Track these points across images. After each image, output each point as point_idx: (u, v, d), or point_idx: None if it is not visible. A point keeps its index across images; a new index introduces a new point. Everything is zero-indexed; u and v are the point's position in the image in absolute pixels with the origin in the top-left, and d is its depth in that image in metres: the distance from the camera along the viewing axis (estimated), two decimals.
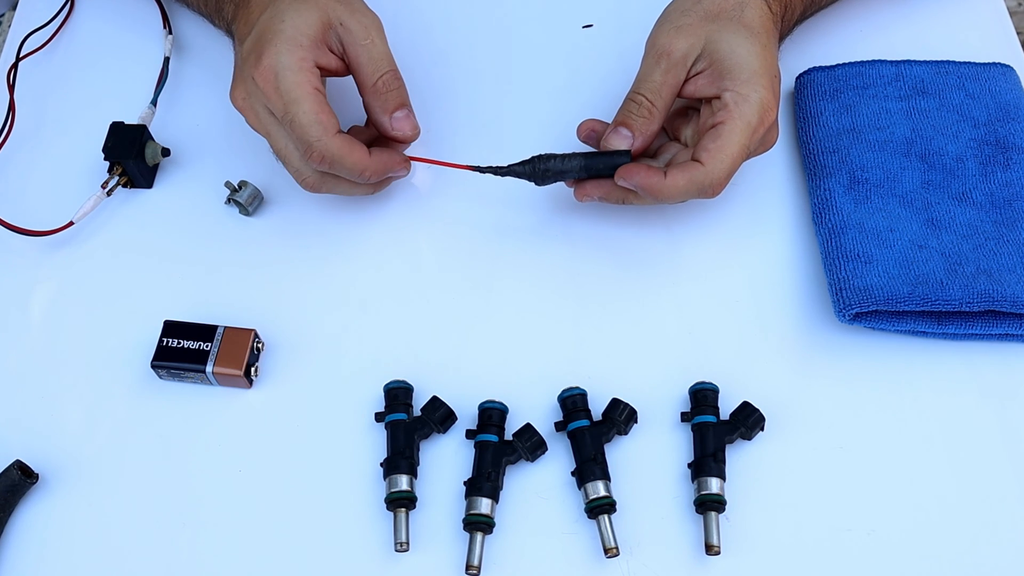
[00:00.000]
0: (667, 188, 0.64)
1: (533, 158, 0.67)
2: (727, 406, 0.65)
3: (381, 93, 0.67)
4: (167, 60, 0.80)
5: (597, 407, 0.65)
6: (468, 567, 0.60)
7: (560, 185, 0.70)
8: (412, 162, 0.70)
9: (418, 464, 0.64)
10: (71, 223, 0.72)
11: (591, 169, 0.67)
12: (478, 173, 0.68)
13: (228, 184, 0.73)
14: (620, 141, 0.66)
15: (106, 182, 0.73)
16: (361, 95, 0.68)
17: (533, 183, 0.68)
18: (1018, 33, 0.82)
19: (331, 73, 0.67)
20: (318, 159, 0.64)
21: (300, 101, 0.63)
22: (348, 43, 0.66)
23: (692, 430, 0.64)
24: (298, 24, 0.64)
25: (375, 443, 0.65)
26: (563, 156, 0.67)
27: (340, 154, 0.64)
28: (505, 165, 0.68)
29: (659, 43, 0.66)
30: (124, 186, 0.75)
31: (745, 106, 0.64)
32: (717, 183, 0.64)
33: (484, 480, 0.62)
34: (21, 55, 0.81)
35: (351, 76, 0.68)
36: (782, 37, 0.73)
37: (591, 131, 0.69)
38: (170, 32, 0.82)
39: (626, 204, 0.68)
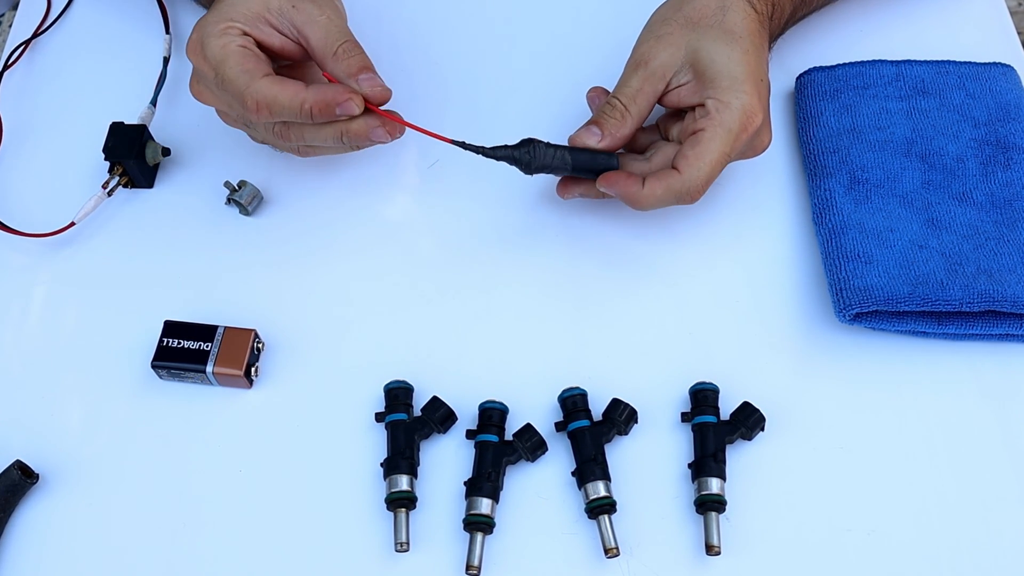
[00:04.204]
0: (644, 197, 0.65)
1: (523, 142, 0.65)
2: (727, 406, 0.65)
3: (341, 59, 0.64)
4: (166, 60, 0.80)
5: (597, 407, 0.65)
6: (468, 567, 0.60)
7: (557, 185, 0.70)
8: (400, 135, 0.66)
9: (418, 464, 0.64)
10: (72, 224, 0.72)
11: (577, 165, 0.66)
12: (483, 156, 0.65)
13: (228, 184, 0.73)
14: (589, 138, 0.66)
15: (107, 182, 0.73)
16: (323, 69, 0.66)
17: (519, 169, 0.66)
18: (1018, 33, 0.82)
19: (280, 54, 0.67)
20: (254, 107, 0.63)
21: (225, 59, 0.63)
22: (301, 23, 0.65)
23: (692, 430, 0.64)
24: (235, 3, 0.65)
25: (375, 443, 0.65)
26: (554, 148, 0.66)
27: (272, 92, 0.62)
28: (490, 147, 0.65)
29: (638, 52, 0.67)
30: (125, 186, 0.75)
31: (726, 113, 0.64)
32: (694, 190, 0.64)
33: (484, 480, 0.62)
34: (9, 62, 0.81)
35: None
36: (774, 38, 0.73)
37: (595, 98, 0.71)
38: (167, 32, 0.82)
39: (605, 199, 0.68)
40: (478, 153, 0.65)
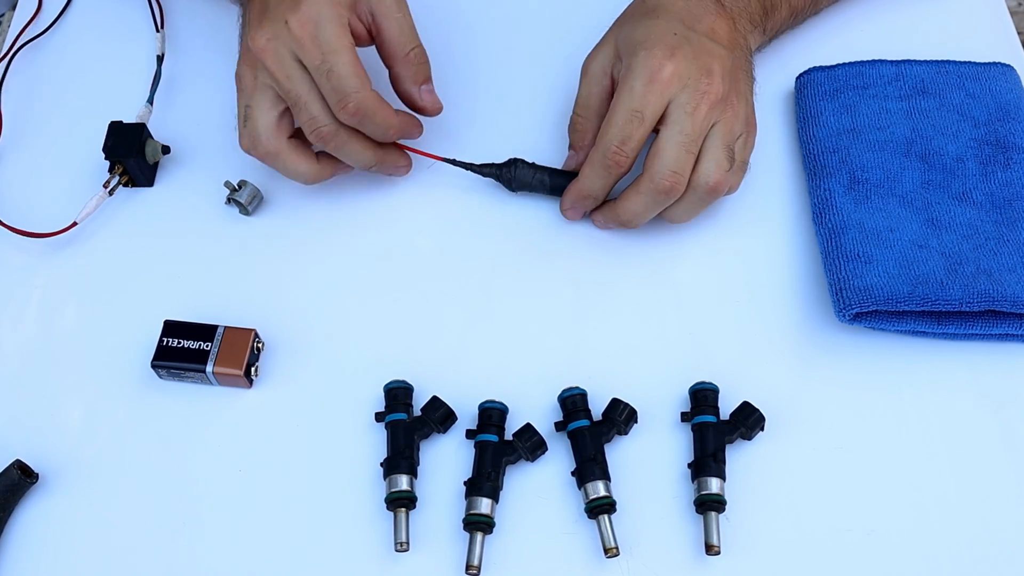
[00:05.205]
0: (625, 211, 0.67)
1: (507, 162, 0.71)
2: (727, 406, 0.65)
3: (413, 64, 0.68)
4: (160, 58, 0.80)
5: (597, 407, 0.65)
6: (468, 567, 0.60)
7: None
8: (411, 161, 0.73)
9: (418, 464, 0.64)
10: (75, 223, 0.72)
11: (555, 186, 0.71)
12: (473, 173, 0.71)
13: (227, 184, 0.73)
14: (570, 161, 0.71)
15: (108, 181, 0.73)
16: (389, 66, 0.69)
17: (503, 186, 0.72)
18: (1018, 33, 0.82)
19: (356, 40, 0.67)
20: (352, 111, 0.64)
21: (340, 52, 0.63)
22: (380, 14, 0.66)
23: (692, 430, 0.64)
24: None
25: (375, 443, 0.65)
26: (536, 168, 0.70)
27: (374, 107, 0.65)
28: (478, 164, 0.71)
29: (583, 66, 0.70)
30: (125, 185, 0.75)
31: (627, 73, 0.64)
32: (608, 148, 0.64)
33: (484, 480, 0.62)
34: (8, 60, 0.82)
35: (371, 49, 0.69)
36: (774, 32, 0.74)
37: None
38: (159, 30, 0.82)
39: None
40: (467, 169, 0.71)
